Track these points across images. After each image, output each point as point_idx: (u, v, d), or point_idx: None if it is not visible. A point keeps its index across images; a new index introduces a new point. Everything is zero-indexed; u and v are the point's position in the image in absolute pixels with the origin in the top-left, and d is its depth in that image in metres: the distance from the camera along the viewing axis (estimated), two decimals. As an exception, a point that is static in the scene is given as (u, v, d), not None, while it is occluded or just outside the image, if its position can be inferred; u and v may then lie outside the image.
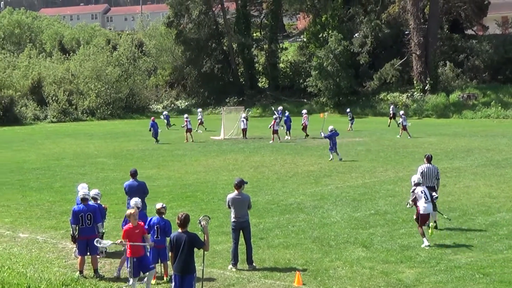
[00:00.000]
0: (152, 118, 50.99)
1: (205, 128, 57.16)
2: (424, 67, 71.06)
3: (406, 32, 76.01)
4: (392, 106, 59.94)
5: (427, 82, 70.77)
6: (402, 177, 29.84)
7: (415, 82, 72.11)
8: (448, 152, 38.58)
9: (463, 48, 75.19)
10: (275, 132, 46.21)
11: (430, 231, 18.54)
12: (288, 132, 48.50)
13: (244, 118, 49.64)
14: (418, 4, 71.50)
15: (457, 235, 19.43)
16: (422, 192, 18.84)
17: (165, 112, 63.47)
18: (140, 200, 16.99)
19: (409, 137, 46.97)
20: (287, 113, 50.58)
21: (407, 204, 20.19)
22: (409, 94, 71.73)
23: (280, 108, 54.67)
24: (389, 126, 56.71)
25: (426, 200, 18.72)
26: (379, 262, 16.99)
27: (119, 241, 15.18)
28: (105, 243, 15.51)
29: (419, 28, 70.91)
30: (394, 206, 23.55)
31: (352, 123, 55.51)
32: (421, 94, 70.66)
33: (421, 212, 18.67)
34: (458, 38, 76.55)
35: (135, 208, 15.50)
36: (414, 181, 19.32)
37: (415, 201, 18.98)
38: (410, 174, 30.52)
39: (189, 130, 48.31)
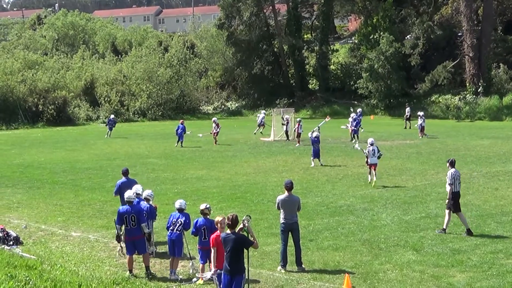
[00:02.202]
0: (181, 121, 50.68)
1: (260, 132, 54.60)
2: (477, 69, 70.09)
3: (459, 34, 75.09)
4: (408, 108, 59.13)
5: (480, 84, 69.78)
6: (453, 180, 29.45)
7: (467, 84, 71.16)
8: (501, 155, 38.02)
9: (518, 50, 74.06)
10: (298, 135, 45.97)
11: (372, 181, 28.96)
12: (354, 135, 47.49)
13: (287, 120, 49.33)
14: (472, 6, 70.57)
15: (510, 240, 19.15)
16: (372, 150, 29.18)
17: (112, 116, 57.94)
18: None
19: (426, 136, 48.52)
20: (355, 116, 48.95)
21: (364, 152, 29.91)
22: (462, 97, 70.78)
23: (359, 110, 54.21)
24: (405, 128, 57.42)
25: (372, 156, 29.07)
26: (429, 265, 16.83)
27: (213, 270, 14.34)
28: (206, 275, 14.78)
29: (473, 29, 69.97)
30: (445, 210, 23.23)
31: (422, 128, 49.96)
32: (474, 96, 69.68)
33: (368, 162, 29.26)
34: (512, 39, 75.44)
35: (222, 215, 14.81)
36: (369, 142, 29.67)
37: (367, 156, 29.24)
38: (462, 177, 30.08)
39: (215, 133, 47.55)
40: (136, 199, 17.24)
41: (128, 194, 17.07)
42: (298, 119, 48.02)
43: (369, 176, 29.59)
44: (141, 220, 16.82)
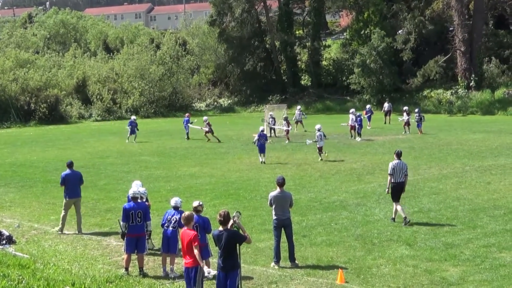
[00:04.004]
0: (187, 114, 50.81)
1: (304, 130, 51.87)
2: (468, 64, 70.17)
3: (450, 29, 75.14)
4: (388, 104, 59.08)
5: (471, 78, 69.83)
6: (446, 174, 29.57)
7: (459, 78, 71.24)
8: (493, 150, 38.10)
9: (509, 44, 74.12)
10: (287, 132, 46.33)
11: (325, 155, 35.50)
12: (358, 133, 45.89)
13: (271, 116, 48.86)
14: (463, 0, 70.63)
15: (502, 233, 19.20)
16: (319, 136, 35.06)
17: (133, 117, 51.09)
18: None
19: (406, 133, 48.81)
20: (358, 113, 47.45)
21: (312, 141, 36.67)
22: (453, 91, 70.83)
23: (368, 106, 53.76)
24: (384, 123, 57.46)
25: (320, 140, 35.17)
26: (422, 260, 16.87)
27: (206, 267, 14.28)
28: (209, 273, 14.26)
29: (464, 24, 70.03)
30: (438, 204, 23.34)
31: (420, 125, 49.04)
32: (466, 91, 69.76)
33: (317, 146, 35.36)
34: (504, 34, 75.55)
35: (191, 211, 14.66)
36: (317, 128, 35.65)
37: (317, 140, 35.23)
38: (455, 171, 30.44)
39: (209, 131, 47.05)
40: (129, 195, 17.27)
41: (134, 190, 17.09)
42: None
43: (320, 156, 35.49)
44: (147, 217, 16.84)
